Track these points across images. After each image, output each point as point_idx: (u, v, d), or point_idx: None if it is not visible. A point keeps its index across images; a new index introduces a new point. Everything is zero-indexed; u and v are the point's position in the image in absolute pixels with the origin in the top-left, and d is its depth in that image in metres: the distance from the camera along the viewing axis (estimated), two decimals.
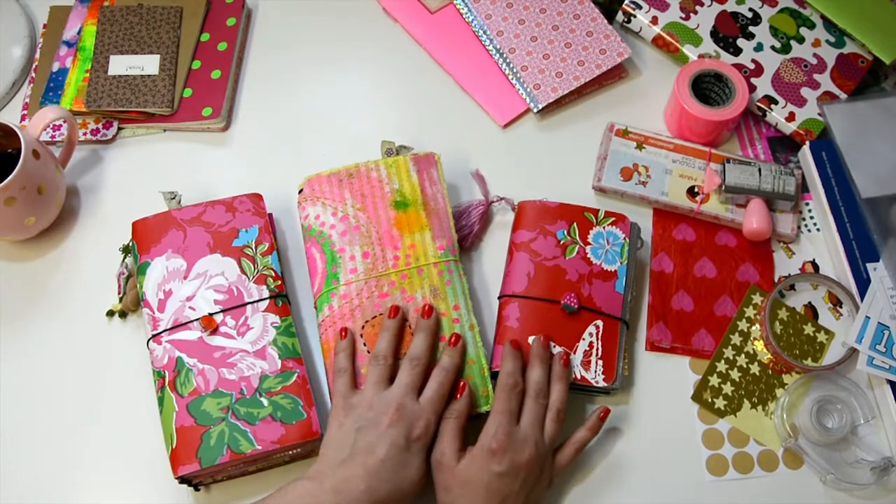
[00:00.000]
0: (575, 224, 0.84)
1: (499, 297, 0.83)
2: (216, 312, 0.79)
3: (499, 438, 0.70)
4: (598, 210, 0.85)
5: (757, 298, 0.85)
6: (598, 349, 0.79)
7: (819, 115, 0.92)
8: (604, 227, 0.84)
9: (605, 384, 0.78)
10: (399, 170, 0.85)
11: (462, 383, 0.75)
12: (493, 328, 0.83)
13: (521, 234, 0.84)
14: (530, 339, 0.78)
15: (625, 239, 0.84)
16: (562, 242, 0.83)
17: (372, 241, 0.82)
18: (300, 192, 0.85)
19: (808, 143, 0.91)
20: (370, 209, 0.83)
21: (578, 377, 0.78)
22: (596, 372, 0.78)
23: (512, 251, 0.84)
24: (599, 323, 0.80)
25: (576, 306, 0.79)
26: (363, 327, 0.78)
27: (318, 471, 0.70)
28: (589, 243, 0.83)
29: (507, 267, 0.84)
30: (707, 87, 0.93)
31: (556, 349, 0.78)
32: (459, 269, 0.82)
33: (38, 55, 1.01)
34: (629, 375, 0.82)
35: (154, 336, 0.78)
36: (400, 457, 0.69)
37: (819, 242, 0.89)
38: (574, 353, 0.79)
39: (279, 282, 0.81)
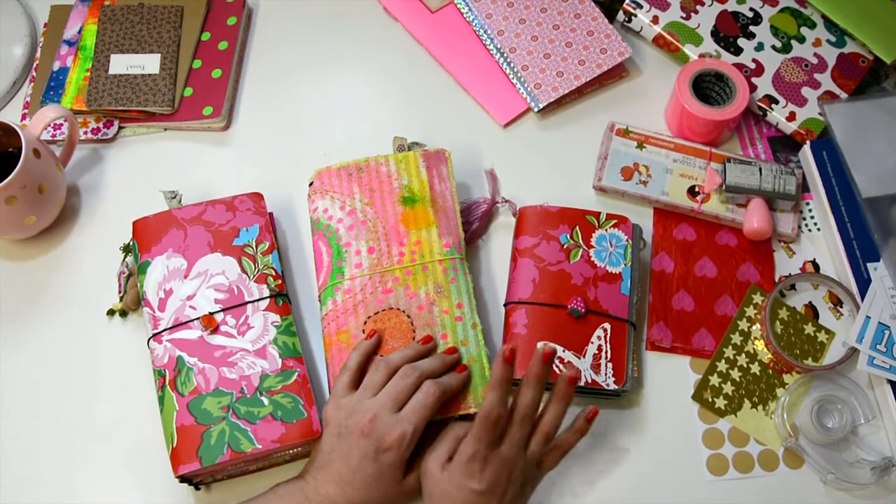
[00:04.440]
0: (577, 228, 0.84)
1: (504, 305, 0.83)
2: (217, 311, 0.79)
3: (474, 466, 0.67)
4: (600, 213, 0.85)
5: (757, 298, 0.85)
6: (607, 352, 0.79)
7: (820, 114, 0.92)
8: (606, 230, 0.84)
9: (616, 387, 0.78)
10: (409, 165, 0.85)
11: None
12: (497, 330, 0.84)
13: (523, 239, 0.84)
14: (539, 345, 0.78)
15: (627, 241, 0.84)
16: (565, 247, 0.83)
17: (378, 236, 0.82)
18: (311, 184, 0.85)
19: (808, 142, 0.91)
20: (378, 204, 0.83)
21: (589, 381, 0.78)
22: (606, 375, 0.78)
23: (516, 257, 0.84)
24: (607, 326, 0.80)
25: (583, 310, 0.79)
26: (365, 323, 0.78)
27: (306, 471, 0.72)
28: (592, 246, 0.83)
29: (512, 273, 0.84)
30: (708, 87, 0.93)
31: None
32: (465, 267, 0.82)
33: (38, 54, 1.01)
34: (639, 377, 0.82)
35: (154, 335, 0.78)
36: (371, 467, 0.69)
37: (819, 242, 0.89)
38: (583, 356, 0.79)
39: (279, 281, 0.81)
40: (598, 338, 0.79)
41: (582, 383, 0.78)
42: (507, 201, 0.90)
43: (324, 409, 0.74)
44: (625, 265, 0.83)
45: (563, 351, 0.79)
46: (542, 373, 0.69)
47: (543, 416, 0.71)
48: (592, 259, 0.83)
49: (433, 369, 0.74)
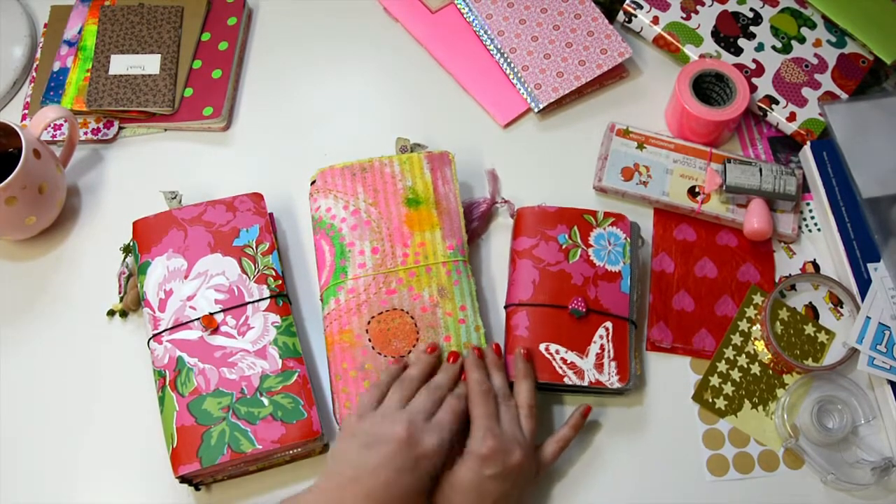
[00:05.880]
0: (575, 227, 0.84)
1: (505, 307, 0.83)
2: (217, 312, 0.79)
3: (488, 443, 0.70)
4: (597, 211, 0.85)
5: (758, 298, 0.85)
6: (609, 351, 0.79)
7: (820, 115, 0.92)
8: (604, 229, 0.84)
9: (620, 385, 0.78)
10: (413, 167, 0.85)
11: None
12: (498, 331, 0.84)
13: (522, 241, 0.84)
14: (518, 353, 0.78)
15: (626, 238, 0.84)
16: (564, 247, 0.83)
17: (382, 236, 0.82)
18: (312, 183, 0.85)
19: (808, 143, 0.91)
20: (382, 205, 0.83)
21: (593, 381, 0.78)
22: (610, 374, 0.78)
23: (514, 259, 0.84)
24: (609, 325, 0.80)
25: (584, 310, 0.79)
26: (369, 323, 0.78)
27: (325, 488, 0.68)
28: (591, 245, 0.83)
29: (512, 276, 0.84)
30: (708, 87, 0.93)
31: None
32: (468, 269, 0.82)
33: (38, 54, 1.01)
34: (641, 374, 0.82)
35: (155, 335, 0.78)
36: (404, 479, 0.67)
37: (820, 242, 0.89)
38: (586, 356, 0.79)
39: (280, 281, 0.81)
40: (601, 337, 0.80)
41: (586, 383, 0.78)
42: (506, 202, 0.90)
43: (346, 421, 0.72)
44: (624, 263, 0.83)
45: (567, 352, 0.79)
46: (499, 360, 0.78)
47: (518, 395, 0.76)
48: (591, 258, 0.83)
49: (449, 385, 0.75)
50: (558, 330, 0.79)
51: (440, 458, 0.69)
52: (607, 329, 0.80)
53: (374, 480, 0.66)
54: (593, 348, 0.79)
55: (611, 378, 0.78)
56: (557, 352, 0.79)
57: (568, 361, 0.78)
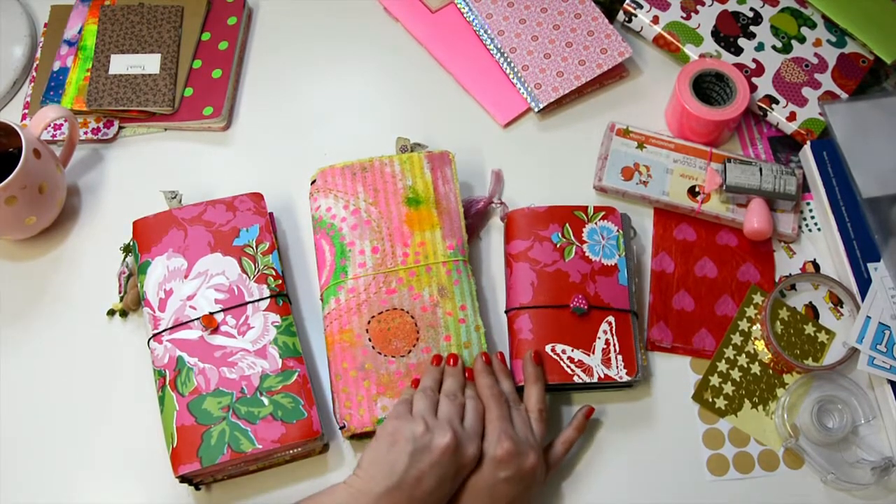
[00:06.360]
0: (567, 225, 0.84)
1: (506, 312, 0.83)
2: (217, 311, 0.79)
3: (504, 445, 0.70)
4: (587, 206, 0.85)
5: (758, 298, 0.85)
6: (615, 345, 0.79)
7: (820, 114, 0.92)
8: (596, 223, 0.84)
9: (629, 377, 0.78)
10: (413, 167, 0.85)
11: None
12: (497, 331, 0.84)
13: (516, 244, 0.84)
14: (528, 356, 0.78)
15: (618, 231, 0.84)
16: (558, 245, 0.83)
17: (382, 236, 0.82)
18: (312, 182, 0.86)
19: (808, 142, 0.91)
20: (382, 204, 0.83)
21: (602, 376, 0.78)
22: (618, 368, 0.78)
23: (510, 263, 0.84)
24: (611, 319, 0.80)
25: (585, 307, 0.79)
26: (369, 322, 0.78)
27: (365, 490, 0.67)
28: (585, 241, 0.84)
29: (509, 280, 0.84)
30: (708, 87, 0.93)
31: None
32: (468, 269, 0.82)
33: (39, 54, 1.01)
34: (647, 365, 0.82)
35: (155, 335, 0.78)
36: (444, 488, 0.68)
37: (820, 242, 0.89)
38: (592, 353, 0.79)
39: (280, 281, 0.81)
40: (605, 332, 0.80)
41: (595, 380, 0.78)
42: (501, 203, 0.90)
43: (388, 425, 0.70)
44: (619, 256, 0.83)
45: (573, 350, 0.79)
46: (506, 367, 0.79)
47: (529, 399, 0.76)
48: (587, 254, 0.83)
49: (460, 389, 0.75)
50: (562, 329, 0.79)
51: (475, 464, 0.70)
52: (610, 323, 0.80)
53: (417, 489, 0.67)
54: (598, 344, 0.79)
55: (619, 372, 0.78)
56: (564, 351, 0.79)
57: (575, 360, 0.78)
